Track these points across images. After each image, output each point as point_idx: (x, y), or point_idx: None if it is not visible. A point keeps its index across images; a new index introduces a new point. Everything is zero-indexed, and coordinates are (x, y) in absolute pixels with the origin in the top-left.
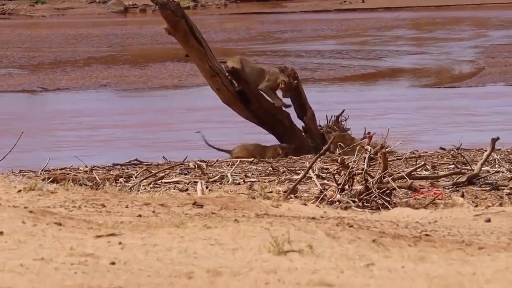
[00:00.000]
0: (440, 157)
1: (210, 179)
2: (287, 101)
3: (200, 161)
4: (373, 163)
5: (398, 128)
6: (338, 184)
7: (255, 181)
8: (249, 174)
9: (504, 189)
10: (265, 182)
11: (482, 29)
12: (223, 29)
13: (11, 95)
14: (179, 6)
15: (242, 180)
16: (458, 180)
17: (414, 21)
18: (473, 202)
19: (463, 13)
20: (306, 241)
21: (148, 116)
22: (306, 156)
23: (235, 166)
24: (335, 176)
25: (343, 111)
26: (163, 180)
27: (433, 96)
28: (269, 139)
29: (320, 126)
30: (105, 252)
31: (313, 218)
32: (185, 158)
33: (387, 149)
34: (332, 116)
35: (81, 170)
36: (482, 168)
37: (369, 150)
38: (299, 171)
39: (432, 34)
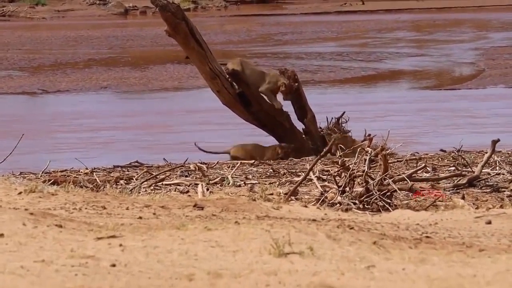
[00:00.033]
0: (440, 159)
1: (210, 181)
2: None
3: (201, 163)
4: (374, 165)
5: (398, 130)
6: (339, 186)
7: (256, 183)
8: (250, 176)
9: (504, 191)
10: (265, 184)
11: (482, 31)
12: (223, 31)
13: (11, 97)
14: (179, 8)
15: (242, 182)
16: (459, 182)
17: (415, 23)
18: (473, 204)
19: (464, 15)
20: (306, 243)
21: (148, 118)
22: (307, 158)
23: (235, 168)
24: (336, 178)
25: (344, 113)
26: (164, 182)
27: (433, 98)
28: (270, 141)
29: (320, 128)
30: (105, 254)
31: (314, 220)
32: (186, 160)
33: (388, 151)
34: (332, 118)
35: (81, 172)
36: (483, 170)
37: (369, 152)
38: (300, 173)
39: (432, 36)
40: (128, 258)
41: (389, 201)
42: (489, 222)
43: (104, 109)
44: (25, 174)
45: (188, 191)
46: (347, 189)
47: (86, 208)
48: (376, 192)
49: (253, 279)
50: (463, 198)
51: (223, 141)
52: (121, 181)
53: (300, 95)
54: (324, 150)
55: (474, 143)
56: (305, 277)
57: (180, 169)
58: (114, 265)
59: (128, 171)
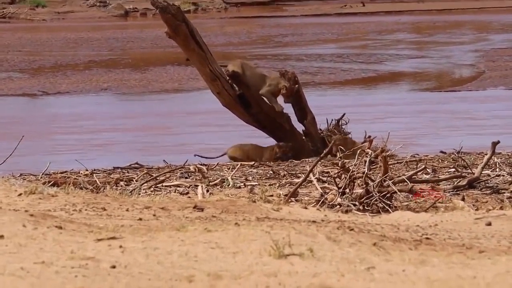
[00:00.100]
0: (440, 160)
1: (210, 183)
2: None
3: (201, 164)
4: (374, 166)
5: (398, 132)
6: (339, 188)
7: (256, 184)
8: (250, 178)
9: (504, 192)
10: (265, 185)
11: (482, 33)
12: (223, 33)
13: (11, 99)
14: (180, 9)
15: (242, 184)
16: (459, 184)
17: (415, 25)
18: (473, 205)
19: (464, 17)
20: (306, 244)
21: (148, 119)
22: (307, 159)
23: (235, 169)
24: (336, 179)
25: (344, 114)
26: (164, 184)
27: (433, 100)
28: (269, 143)
29: (320, 129)
30: (105, 256)
31: (314, 221)
32: (186, 162)
33: (388, 153)
34: (332, 120)
35: (81, 173)
36: (483, 172)
37: (369, 153)
38: (300, 175)
39: (432, 38)
40: (128, 260)
41: (389, 202)
42: (489, 224)
43: (104, 111)
44: (25, 175)
45: (188, 193)
46: (347, 190)
47: (86, 210)
48: (376, 194)
49: (253, 280)
50: (463, 199)
51: (223, 142)
52: (121, 183)
53: (300, 96)
54: (324, 151)
55: (474, 144)
56: (305, 279)
57: (180, 170)
58: (114, 267)
59: (128, 172)
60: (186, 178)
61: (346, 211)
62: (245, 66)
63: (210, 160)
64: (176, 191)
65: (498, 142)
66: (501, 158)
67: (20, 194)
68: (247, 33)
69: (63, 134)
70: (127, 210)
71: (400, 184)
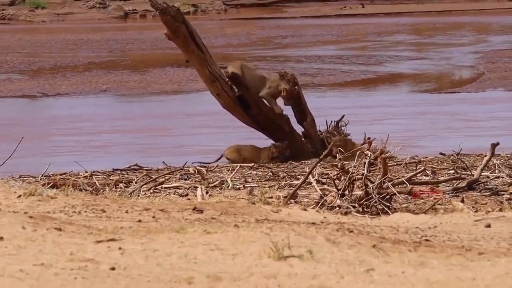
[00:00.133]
0: (440, 162)
1: (210, 184)
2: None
3: (200, 166)
4: (373, 168)
5: (397, 133)
6: (338, 190)
7: (255, 186)
8: (249, 179)
9: (504, 194)
10: (265, 187)
11: (482, 34)
12: (223, 34)
13: (11, 100)
14: (179, 11)
15: (242, 185)
16: (458, 185)
17: (415, 26)
18: (473, 207)
19: (464, 18)
20: (306, 246)
21: (147, 121)
22: (306, 161)
23: (235, 171)
24: (335, 181)
25: (343, 116)
26: (163, 185)
27: (433, 101)
28: (269, 144)
29: (320, 131)
30: (105, 258)
31: (313, 223)
32: (185, 163)
33: (387, 155)
34: (332, 122)
35: (81, 175)
36: (482, 173)
37: (369, 155)
38: (299, 176)
39: (432, 40)
40: (128, 262)
41: (388, 204)
42: (489, 226)
43: (103, 112)
44: (25, 177)
45: (187, 194)
46: (347, 192)
47: (85, 211)
48: (375, 196)
49: (252, 282)
50: (462, 201)
51: (223, 144)
52: (121, 184)
53: (299, 98)
54: (324, 153)
55: (473, 146)
56: (304, 281)
57: (179, 172)
58: (113, 269)
59: (127, 174)
60: (185, 180)
61: (346, 213)
62: (245, 68)
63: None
64: (176, 193)
65: (498, 143)
66: (500, 160)
67: (19, 196)
68: (247, 34)
69: (63, 136)
70: (127, 212)
71: (399, 186)
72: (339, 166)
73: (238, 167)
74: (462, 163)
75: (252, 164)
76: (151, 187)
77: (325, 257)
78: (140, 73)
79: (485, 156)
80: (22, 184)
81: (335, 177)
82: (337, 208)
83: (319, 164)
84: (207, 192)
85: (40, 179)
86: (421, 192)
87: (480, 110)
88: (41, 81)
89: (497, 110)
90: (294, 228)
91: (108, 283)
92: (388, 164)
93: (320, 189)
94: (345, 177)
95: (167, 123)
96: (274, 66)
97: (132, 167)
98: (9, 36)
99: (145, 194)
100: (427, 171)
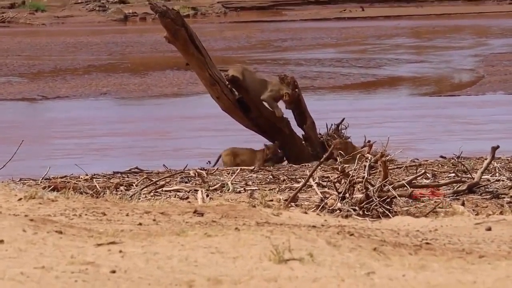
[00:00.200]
0: (440, 165)
1: (210, 188)
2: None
3: (201, 169)
4: (374, 171)
5: (397, 137)
6: (339, 193)
7: (256, 189)
8: (250, 183)
9: (504, 197)
10: (265, 190)
11: (482, 37)
12: (223, 38)
13: (10, 103)
14: (179, 14)
15: (242, 189)
16: (459, 189)
17: (414, 30)
18: (473, 210)
19: (463, 21)
20: (306, 249)
21: (147, 124)
22: (307, 164)
23: (235, 174)
24: (336, 184)
25: (343, 119)
26: (164, 188)
27: (432, 104)
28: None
29: (320, 134)
30: (105, 261)
31: (314, 226)
32: (186, 166)
33: (388, 158)
34: (332, 125)
35: (81, 178)
36: (483, 177)
37: (369, 158)
38: (300, 180)
39: (432, 43)
40: (128, 265)
41: (389, 207)
42: (489, 229)
43: (103, 115)
44: (25, 180)
45: (188, 197)
46: (347, 195)
47: (86, 215)
48: (376, 199)
49: (253, 285)
50: (463, 204)
51: (223, 147)
52: (121, 187)
53: (299, 101)
54: (324, 156)
55: (473, 149)
56: (305, 284)
57: (180, 175)
58: (114, 272)
59: (128, 177)
60: (186, 182)
61: (346, 216)
62: (246, 71)
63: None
64: (176, 196)
65: (498, 147)
66: (500, 163)
67: (20, 199)
68: (247, 37)
69: (63, 139)
70: (127, 215)
71: (400, 189)
72: (339, 169)
73: (238, 170)
74: (462, 166)
75: (253, 167)
76: (152, 190)
77: (325, 260)
78: (140, 76)
79: (486, 159)
80: (23, 187)
81: (335, 180)
82: (338, 211)
83: (319, 167)
84: (207, 195)
85: (41, 182)
86: (422, 195)
87: (479, 113)
88: (41, 84)
89: (497, 113)
90: (295, 231)
91: (109, 286)
92: (389, 167)
93: (321, 192)
94: (346, 180)
95: (167, 126)
96: (274, 69)
97: (133, 170)
98: (9, 39)
99: (146, 197)
100: (427, 174)
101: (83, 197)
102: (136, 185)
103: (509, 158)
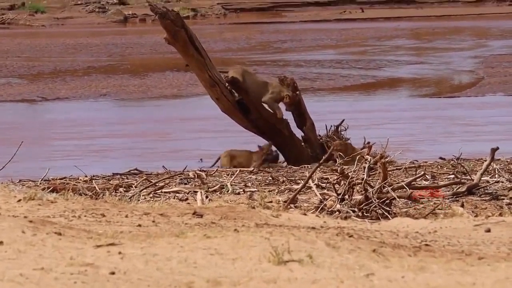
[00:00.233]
0: (439, 167)
1: (210, 189)
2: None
3: (200, 170)
4: (373, 173)
5: (397, 138)
6: (338, 194)
7: (255, 190)
8: (249, 184)
9: (503, 199)
10: (265, 191)
11: (482, 39)
12: (222, 39)
13: (10, 105)
14: (179, 15)
15: (242, 190)
16: (458, 190)
17: (414, 31)
18: (473, 212)
19: (463, 23)
20: (306, 251)
21: (147, 125)
22: (306, 165)
23: (234, 175)
24: (335, 186)
25: (343, 120)
26: (163, 190)
27: (432, 106)
28: None
29: (319, 135)
30: (104, 262)
31: (313, 228)
32: (185, 168)
33: (387, 159)
34: (331, 126)
35: (80, 179)
36: (482, 178)
37: (368, 160)
38: (299, 181)
39: (431, 44)
40: (127, 266)
41: (388, 209)
42: (488, 230)
43: (103, 117)
44: (24, 181)
45: (187, 199)
46: (346, 197)
47: (85, 216)
48: (375, 200)
49: (252, 287)
50: (462, 206)
51: (222, 149)
52: (120, 189)
53: (299, 102)
54: (324, 157)
55: (473, 151)
56: (304, 285)
57: (179, 176)
58: (113, 273)
59: (127, 178)
60: (185, 184)
61: (345, 218)
62: (246, 73)
63: (209, 167)
64: (176, 197)
65: (497, 148)
66: (500, 165)
67: (19, 200)
68: (246, 39)
69: (62, 140)
70: (126, 216)
71: (399, 190)
72: (339, 170)
73: (237, 171)
74: (462, 168)
75: (252, 168)
76: (151, 191)
77: (325, 262)
78: (140, 78)
79: (485, 160)
80: (22, 188)
81: (335, 182)
82: (337, 212)
83: (319, 168)
84: (207, 197)
85: (40, 183)
86: (421, 197)
87: (479, 114)
88: (40, 86)
89: (496, 115)
90: (294, 233)
91: (108, 287)
92: (388, 169)
93: (320, 194)
94: (345, 182)
95: (167, 127)
96: (274, 70)
97: (132, 171)
98: (9, 40)
99: (145, 198)
100: (427, 175)
101: (83, 198)
102: (136, 187)
103: (509, 160)
